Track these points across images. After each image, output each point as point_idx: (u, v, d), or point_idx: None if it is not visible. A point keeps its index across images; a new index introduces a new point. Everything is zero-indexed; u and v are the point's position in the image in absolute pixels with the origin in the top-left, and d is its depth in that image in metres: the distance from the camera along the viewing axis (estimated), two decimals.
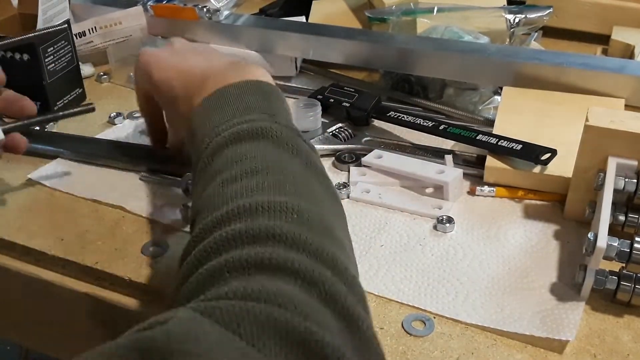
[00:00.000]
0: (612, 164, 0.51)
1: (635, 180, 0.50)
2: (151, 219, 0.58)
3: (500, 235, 0.55)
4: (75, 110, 0.61)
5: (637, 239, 0.47)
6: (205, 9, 0.83)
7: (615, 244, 0.47)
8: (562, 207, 0.57)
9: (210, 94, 0.49)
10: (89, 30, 0.82)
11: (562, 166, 0.58)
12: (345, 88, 0.73)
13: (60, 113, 0.63)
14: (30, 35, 0.65)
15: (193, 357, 0.26)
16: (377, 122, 0.71)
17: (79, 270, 0.54)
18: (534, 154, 0.59)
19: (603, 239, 0.46)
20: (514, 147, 0.60)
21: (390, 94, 0.77)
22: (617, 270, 0.48)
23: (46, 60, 0.71)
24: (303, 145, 0.45)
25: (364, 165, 0.63)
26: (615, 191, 0.50)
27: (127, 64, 0.83)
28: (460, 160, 0.63)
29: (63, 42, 0.74)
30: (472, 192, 0.60)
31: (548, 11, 0.81)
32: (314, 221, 0.37)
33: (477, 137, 0.63)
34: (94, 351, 0.28)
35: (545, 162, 0.58)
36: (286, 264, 0.33)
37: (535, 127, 0.63)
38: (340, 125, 0.70)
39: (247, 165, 0.41)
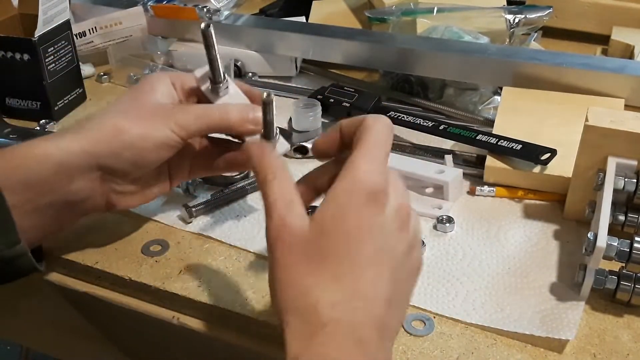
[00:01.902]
0: (611, 163, 0.51)
1: (635, 180, 0.50)
2: (151, 219, 0.58)
3: (500, 235, 0.55)
4: None
5: (636, 238, 0.47)
6: (205, 9, 0.83)
7: (615, 244, 0.47)
8: (562, 207, 0.57)
9: None
10: (89, 30, 0.83)
11: (562, 166, 0.58)
12: (345, 88, 0.73)
13: None
14: None
15: None
16: None
17: (79, 270, 0.54)
18: (533, 153, 0.59)
19: (603, 239, 0.46)
20: (514, 147, 0.60)
21: (390, 94, 0.77)
22: (617, 270, 0.48)
23: (46, 60, 0.71)
24: None
25: None
26: (615, 191, 0.50)
27: (128, 64, 0.83)
28: (460, 160, 0.63)
29: (63, 42, 0.74)
30: (472, 192, 0.60)
31: (548, 11, 0.81)
32: None
33: (477, 137, 0.63)
34: None
35: (545, 162, 0.59)
36: None
37: (535, 127, 0.63)
38: None
39: None
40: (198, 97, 0.53)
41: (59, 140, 0.47)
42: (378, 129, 0.40)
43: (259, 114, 0.48)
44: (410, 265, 0.40)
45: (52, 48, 0.72)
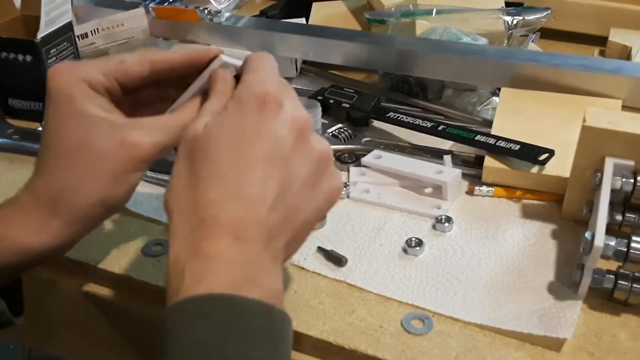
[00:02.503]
0: (609, 164, 0.51)
1: (632, 180, 0.50)
2: (152, 218, 0.58)
3: (499, 234, 0.56)
4: None
5: (634, 238, 0.48)
6: (206, 11, 0.83)
7: (613, 243, 0.47)
8: (560, 207, 0.57)
9: (200, 297, 0.34)
10: (91, 31, 0.83)
11: (560, 166, 0.58)
12: (345, 89, 0.74)
13: None
14: None
15: None
16: (376, 123, 0.71)
17: (80, 270, 0.54)
18: (531, 154, 0.60)
19: (600, 239, 0.46)
20: (512, 148, 0.61)
21: (390, 95, 0.77)
22: (614, 270, 0.48)
23: (49, 61, 0.72)
24: None
25: (364, 166, 0.64)
26: (613, 191, 0.50)
27: None
28: (458, 161, 0.64)
29: (66, 43, 0.74)
30: (470, 192, 0.61)
31: (546, 13, 0.81)
32: None
33: (476, 138, 0.63)
34: None
35: (543, 162, 0.59)
36: None
37: (533, 128, 0.64)
38: (340, 125, 0.70)
39: None
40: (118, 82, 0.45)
41: (37, 233, 0.42)
42: (260, 55, 0.42)
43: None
44: (312, 184, 0.39)
45: (55, 49, 0.72)
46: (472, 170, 0.63)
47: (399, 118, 0.69)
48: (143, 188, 0.62)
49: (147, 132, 0.43)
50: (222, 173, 0.37)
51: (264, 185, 0.37)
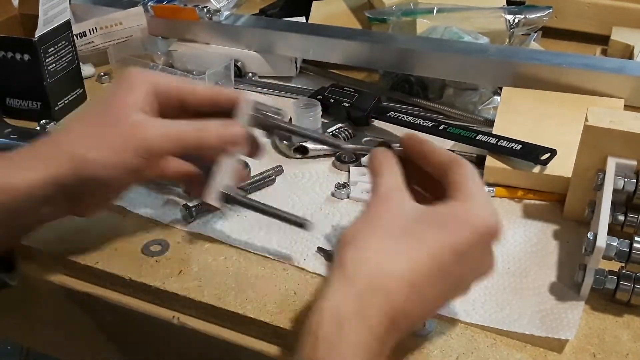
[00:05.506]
0: (611, 163, 0.51)
1: (635, 180, 0.50)
2: (152, 218, 0.58)
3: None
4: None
5: (636, 238, 0.47)
6: (205, 10, 0.83)
7: (615, 244, 0.47)
8: (562, 207, 0.57)
9: None
10: (89, 30, 0.83)
11: (562, 166, 0.58)
12: (345, 88, 0.73)
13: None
14: None
15: None
16: (377, 122, 0.71)
17: (79, 270, 0.54)
18: (533, 154, 0.59)
19: (602, 239, 0.46)
20: (514, 147, 0.60)
21: (390, 94, 0.77)
22: (617, 270, 0.48)
23: (47, 60, 0.71)
24: None
25: (364, 165, 0.64)
26: (615, 191, 0.50)
27: (128, 64, 0.83)
28: None
29: (64, 42, 0.74)
30: None
31: (547, 12, 0.81)
32: None
33: (477, 137, 0.63)
34: None
35: (545, 162, 0.59)
36: None
37: (535, 127, 0.63)
38: (340, 125, 0.70)
39: None
40: (180, 99, 0.50)
41: (23, 170, 0.45)
42: (463, 164, 0.45)
43: (236, 129, 0.50)
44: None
45: (53, 48, 0.72)
46: None
47: (399, 117, 0.68)
48: (142, 188, 0.62)
49: (161, 124, 0.48)
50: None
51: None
